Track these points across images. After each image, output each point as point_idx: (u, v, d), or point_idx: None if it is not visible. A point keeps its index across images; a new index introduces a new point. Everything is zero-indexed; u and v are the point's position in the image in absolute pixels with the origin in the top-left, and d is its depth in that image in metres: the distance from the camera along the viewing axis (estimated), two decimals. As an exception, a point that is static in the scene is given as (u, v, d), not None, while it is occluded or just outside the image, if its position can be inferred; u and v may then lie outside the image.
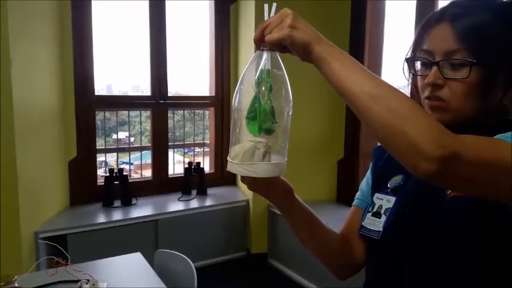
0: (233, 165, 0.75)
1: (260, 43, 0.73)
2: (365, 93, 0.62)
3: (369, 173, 1.00)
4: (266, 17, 0.73)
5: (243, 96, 0.75)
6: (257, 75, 0.74)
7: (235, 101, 0.76)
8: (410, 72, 0.83)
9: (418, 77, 0.81)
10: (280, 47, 0.72)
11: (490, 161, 0.59)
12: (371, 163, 1.00)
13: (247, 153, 0.73)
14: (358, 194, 1.00)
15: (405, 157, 0.60)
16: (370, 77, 0.65)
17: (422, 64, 0.80)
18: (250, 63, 0.75)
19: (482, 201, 0.66)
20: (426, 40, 0.78)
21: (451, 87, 0.74)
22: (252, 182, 0.79)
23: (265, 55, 0.74)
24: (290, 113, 0.76)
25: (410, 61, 0.82)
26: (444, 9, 0.77)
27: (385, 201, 0.85)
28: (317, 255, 0.94)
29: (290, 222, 0.90)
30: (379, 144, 0.97)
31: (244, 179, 0.78)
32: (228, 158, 0.76)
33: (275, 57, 0.74)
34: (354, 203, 1.00)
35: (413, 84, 0.84)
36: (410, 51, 0.83)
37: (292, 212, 0.88)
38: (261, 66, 0.74)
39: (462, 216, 0.71)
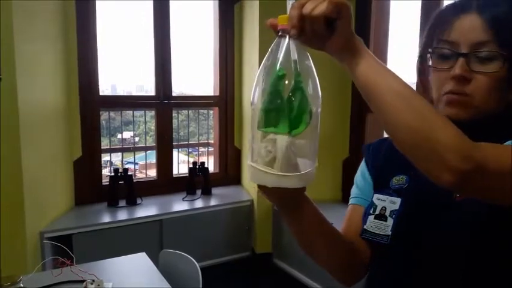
0: (263, 174, 0.62)
1: (297, 24, 0.61)
2: (394, 92, 0.60)
3: (365, 171, 0.92)
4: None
5: (264, 91, 0.63)
6: (278, 65, 0.62)
7: (253, 97, 0.64)
8: (425, 65, 0.78)
9: (435, 70, 0.76)
10: (318, 25, 0.61)
11: (509, 171, 0.57)
12: (363, 161, 0.94)
13: (284, 157, 0.62)
14: (355, 191, 0.93)
15: (426, 163, 0.58)
16: (396, 76, 0.62)
17: (443, 56, 0.74)
18: (272, 52, 0.64)
19: (492, 203, 0.64)
20: (450, 30, 0.73)
21: (477, 81, 0.70)
22: (273, 193, 0.69)
23: (288, 42, 0.62)
24: (319, 110, 0.67)
25: (432, 52, 0.76)
26: None
27: (389, 203, 0.81)
28: (321, 259, 0.92)
29: (296, 224, 0.84)
30: (368, 142, 0.93)
31: (265, 191, 0.68)
32: (251, 163, 0.64)
33: (300, 45, 0.63)
34: (351, 202, 0.93)
35: (425, 78, 0.79)
36: (423, 42, 0.79)
37: (304, 213, 0.81)
38: (282, 55, 0.62)
39: (472, 217, 0.69)
